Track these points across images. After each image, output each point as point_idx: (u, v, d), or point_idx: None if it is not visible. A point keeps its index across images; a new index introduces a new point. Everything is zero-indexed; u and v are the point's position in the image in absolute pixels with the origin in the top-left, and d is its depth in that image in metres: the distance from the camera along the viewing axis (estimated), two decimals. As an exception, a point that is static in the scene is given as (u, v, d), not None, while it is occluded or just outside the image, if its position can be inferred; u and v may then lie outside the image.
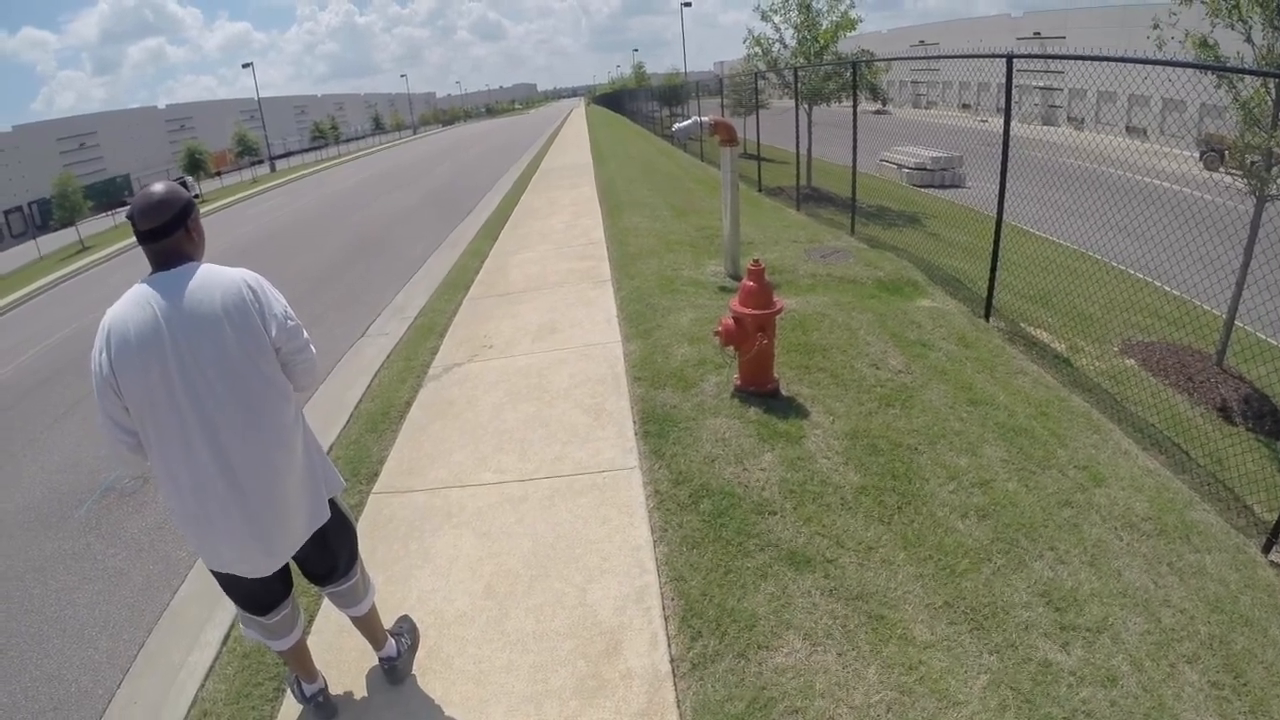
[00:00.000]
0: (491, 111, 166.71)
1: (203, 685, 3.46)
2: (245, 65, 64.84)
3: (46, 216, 49.33)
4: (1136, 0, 34.82)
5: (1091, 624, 3.05)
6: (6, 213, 56.98)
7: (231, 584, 2.65)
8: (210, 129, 75.38)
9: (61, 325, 15.13)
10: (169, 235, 2.38)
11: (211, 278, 2.40)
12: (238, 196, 38.57)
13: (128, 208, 2.45)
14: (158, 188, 2.45)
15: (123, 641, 4.29)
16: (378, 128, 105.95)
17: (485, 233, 13.41)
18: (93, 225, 38.49)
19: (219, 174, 56.13)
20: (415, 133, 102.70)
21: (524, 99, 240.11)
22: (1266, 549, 3.76)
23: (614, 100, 77.63)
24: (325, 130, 79.16)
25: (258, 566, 2.55)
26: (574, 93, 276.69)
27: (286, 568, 2.72)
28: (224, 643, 3.72)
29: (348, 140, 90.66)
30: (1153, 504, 3.91)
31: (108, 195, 52.61)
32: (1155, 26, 6.67)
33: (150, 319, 2.30)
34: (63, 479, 6.82)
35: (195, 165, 47.70)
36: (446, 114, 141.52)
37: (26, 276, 27.38)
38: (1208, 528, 3.77)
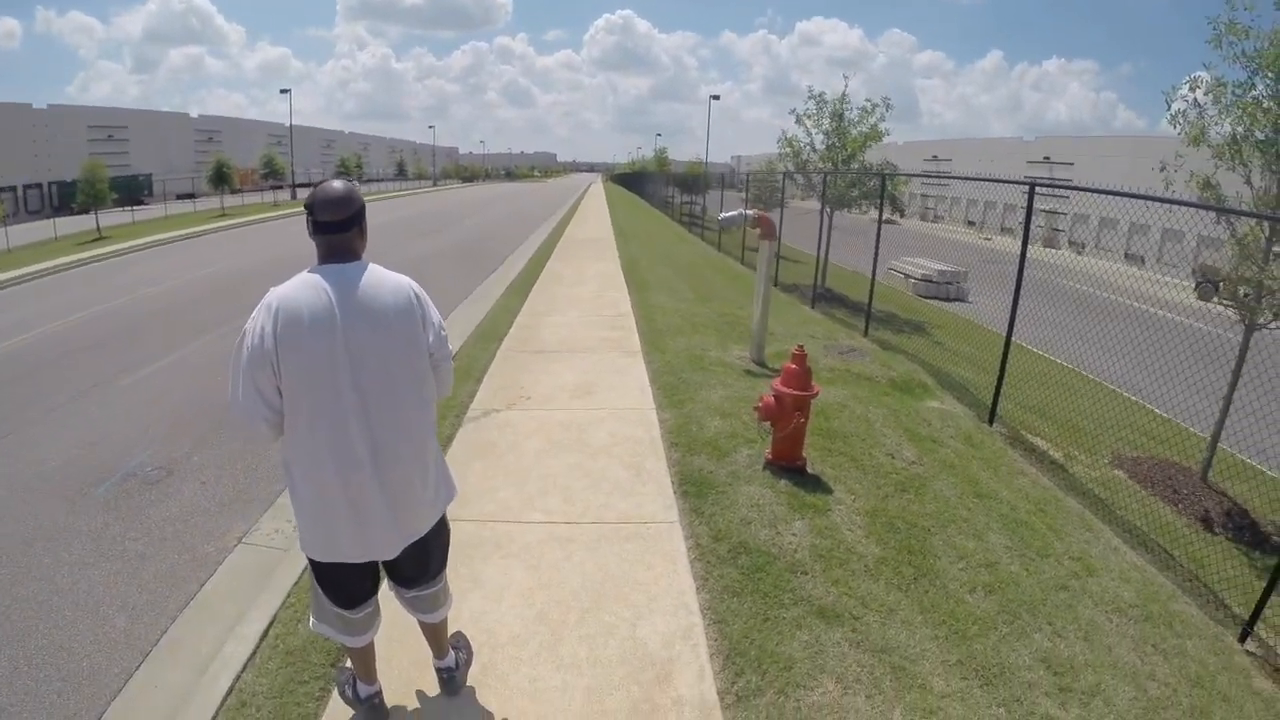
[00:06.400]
0: (511, 175, 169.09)
1: (239, 677, 3.56)
2: (284, 91, 64.35)
3: (66, 199, 49.22)
4: (1146, 132, 36.45)
5: (1086, 688, 3.48)
6: (26, 187, 56.55)
7: (332, 575, 2.80)
8: (237, 145, 76.00)
9: (82, 307, 15.57)
10: (345, 230, 2.57)
11: (382, 277, 2.60)
12: (258, 217, 39.38)
13: (307, 196, 2.59)
14: (338, 185, 2.62)
15: (142, 624, 4.37)
16: (401, 173, 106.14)
17: (514, 291, 13.98)
18: (110, 218, 38.64)
19: (240, 191, 56.64)
20: (435, 184, 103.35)
21: (543, 167, 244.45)
22: (1242, 638, 4.21)
23: (633, 180, 79.16)
24: (350, 167, 79.05)
25: (385, 547, 2.73)
26: (591, 168, 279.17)
27: (376, 569, 2.91)
28: (263, 638, 3.85)
29: (369, 181, 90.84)
30: (1139, 594, 4.38)
31: (129, 190, 53.21)
32: (1162, 168, 7.27)
33: (324, 304, 2.46)
34: (81, 455, 7.00)
35: (221, 178, 48.15)
36: (467, 170, 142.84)
37: (47, 252, 27.75)
38: (1189, 618, 4.23)
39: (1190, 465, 6.88)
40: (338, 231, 2.57)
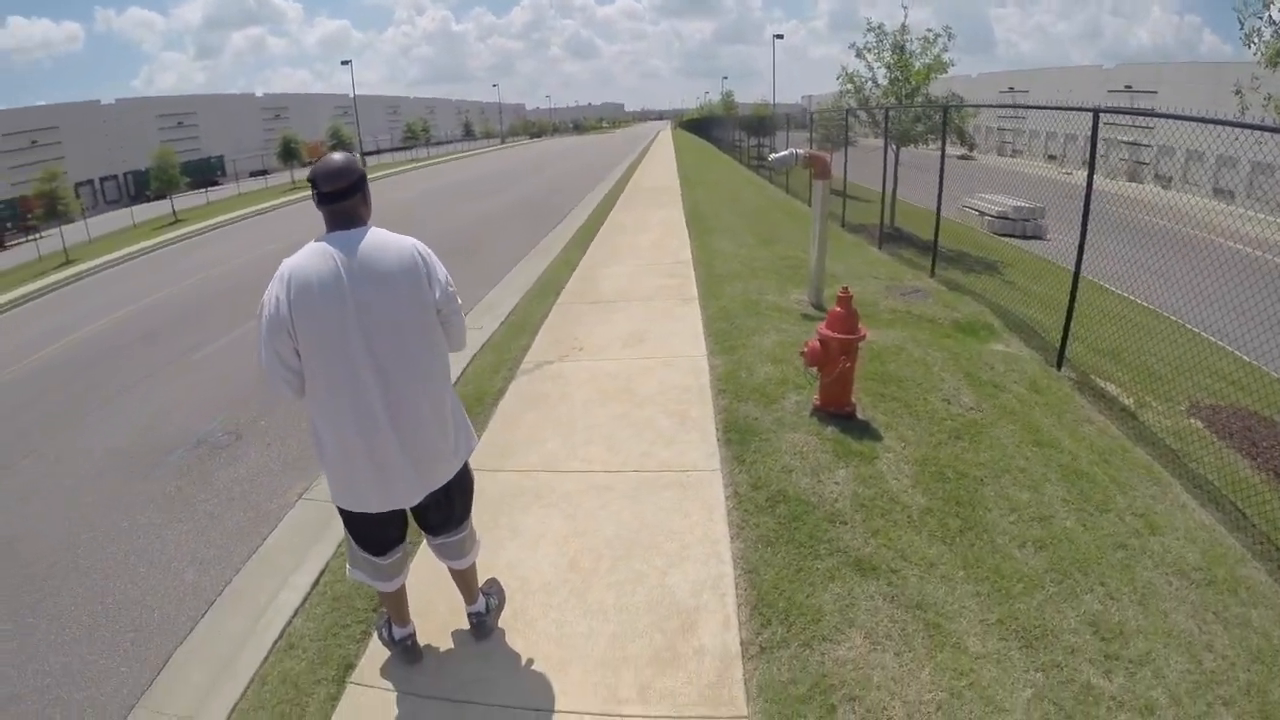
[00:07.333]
0: (579, 128, 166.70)
1: (290, 622, 3.79)
2: (344, 62, 65.62)
3: (141, 187, 51.46)
4: (1230, 58, 33.87)
5: (1135, 656, 3.27)
6: (103, 180, 59.66)
7: (360, 524, 2.95)
8: (304, 120, 77.44)
9: (160, 288, 16.41)
10: (347, 198, 2.68)
11: (387, 240, 2.70)
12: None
13: (310, 170, 2.73)
14: (338, 156, 2.74)
15: (209, 577, 4.65)
16: (468, 134, 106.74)
17: (575, 243, 13.95)
18: (184, 200, 40.24)
19: (310, 163, 57.96)
20: (503, 142, 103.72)
21: (611, 118, 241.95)
22: (1314, 610, 3.91)
23: (701, 126, 77.76)
24: (417, 131, 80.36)
25: (408, 495, 2.87)
26: (660, 116, 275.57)
27: (404, 516, 3.05)
28: (314, 586, 4.06)
29: (438, 143, 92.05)
30: (1205, 556, 4.10)
31: (201, 173, 54.82)
32: (1237, 92, 6.73)
33: (332, 270, 2.58)
34: (154, 429, 7.39)
35: (290, 153, 49.27)
36: (535, 126, 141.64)
37: (125, 240, 29.16)
38: (1257, 584, 3.93)
39: (1273, 416, 6.43)
40: (339, 200, 2.67)
